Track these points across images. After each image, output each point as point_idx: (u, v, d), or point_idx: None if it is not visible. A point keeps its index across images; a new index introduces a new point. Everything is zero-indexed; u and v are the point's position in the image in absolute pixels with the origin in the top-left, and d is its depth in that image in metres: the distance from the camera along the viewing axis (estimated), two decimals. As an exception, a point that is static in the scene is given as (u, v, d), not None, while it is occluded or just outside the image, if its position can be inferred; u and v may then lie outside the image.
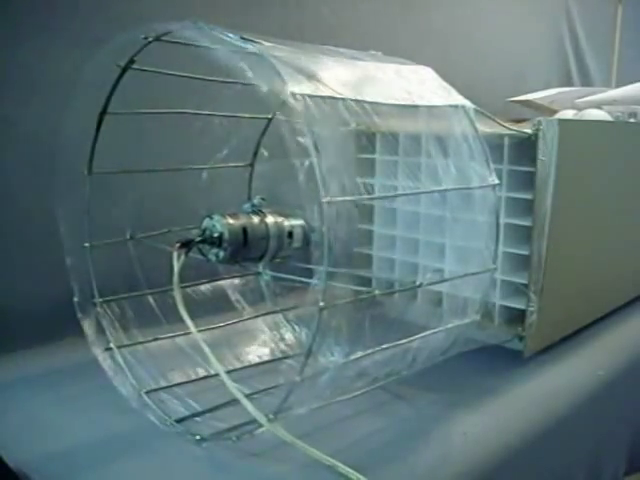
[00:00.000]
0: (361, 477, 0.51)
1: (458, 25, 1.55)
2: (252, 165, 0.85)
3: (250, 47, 0.54)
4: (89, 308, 0.70)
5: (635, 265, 1.04)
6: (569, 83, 1.95)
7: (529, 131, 0.72)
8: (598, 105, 1.31)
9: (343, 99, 0.54)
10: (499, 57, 1.67)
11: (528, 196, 0.74)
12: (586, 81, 2.04)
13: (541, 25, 1.88)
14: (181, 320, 0.59)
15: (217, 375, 0.59)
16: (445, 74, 0.69)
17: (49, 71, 0.82)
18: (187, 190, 0.79)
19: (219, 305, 0.83)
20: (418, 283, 0.61)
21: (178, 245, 0.63)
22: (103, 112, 0.66)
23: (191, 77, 0.70)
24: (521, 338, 0.76)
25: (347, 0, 1.25)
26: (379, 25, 1.31)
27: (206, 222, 0.65)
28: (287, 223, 0.69)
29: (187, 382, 0.69)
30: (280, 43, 0.57)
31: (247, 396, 0.57)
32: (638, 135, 1.01)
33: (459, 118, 0.63)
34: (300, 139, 0.50)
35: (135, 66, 0.64)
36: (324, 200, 0.48)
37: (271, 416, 0.53)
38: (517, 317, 0.77)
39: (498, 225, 0.63)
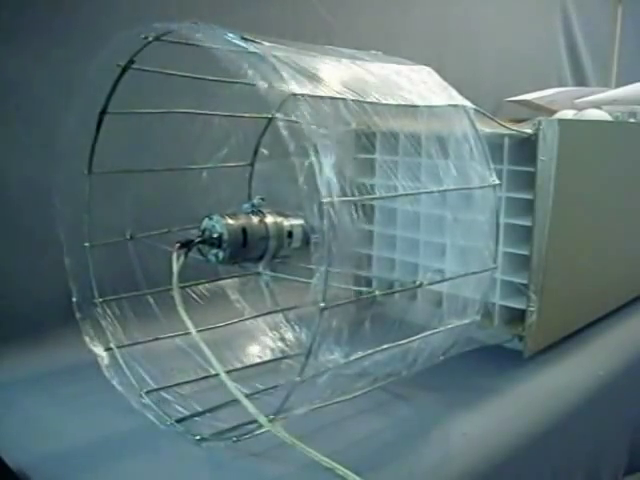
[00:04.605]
0: None
1: (457, 25, 1.55)
2: (252, 165, 0.85)
3: (251, 47, 0.54)
4: (88, 308, 0.70)
5: (635, 265, 1.04)
6: (567, 83, 1.95)
7: (529, 131, 0.72)
8: (598, 105, 1.31)
9: (343, 99, 0.54)
10: (498, 57, 1.67)
11: (528, 196, 0.74)
12: (585, 81, 2.04)
13: (539, 25, 1.88)
14: (181, 320, 0.59)
15: (217, 375, 0.59)
16: (444, 74, 0.69)
17: (49, 71, 0.82)
18: (187, 190, 0.79)
19: (219, 305, 0.83)
20: (418, 283, 0.61)
21: (178, 246, 0.63)
22: (103, 112, 0.66)
23: (191, 77, 0.70)
24: (521, 338, 0.76)
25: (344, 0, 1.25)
26: (376, 25, 1.31)
27: (205, 222, 0.65)
28: (287, 223, 0.69)
29: (187, 382, 0.69)
30: (280, 43, 0.57)
31: (247, 396, 0.57)
32: (638, 135, 1.01)
33: (459, 118, 0.63)
34: (300, 139, 0.50)
35: (135, 66, 0.64)
36: (324, 200, 0.48)
37: (271, 416, 0.53)
38: (517, 317, 0.77)
39: (498, 225, 0.63)
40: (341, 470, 0.52)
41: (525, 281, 0.75)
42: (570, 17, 1.98)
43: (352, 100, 0.54)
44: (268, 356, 0.78)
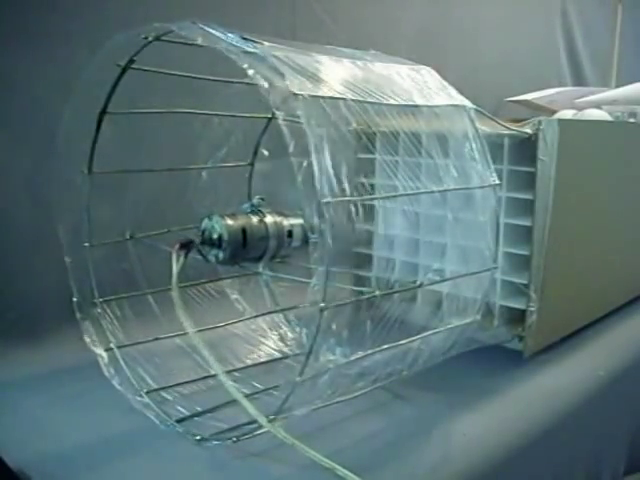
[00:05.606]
0: (359, 480, 0.51)
1: (457, 25, 1.55)
2: (252, 164, 0.85)
3: (250, 47, 0.54)
4: (89, 308, 0.70)
5: (635, 265, 1.03)
6: (567, 83, 1.95)
7: (529, 131, 0.72)
8: (598, 105, 1.31)
9: (344, 99, 0.54)
10: (498, 57, 1.67)
11: (528, 196, 0.74)
12: (585, 81, 2.04)
13: (539, 25, 1.88)
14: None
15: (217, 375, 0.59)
16: (444, 74, 0.69)
17: (49, 71, 0.82)
18: (187, 190, 0.79)
19: (219, 305, 0.83)
20: (418, 283, 0.61)
21: (177, 246, 0.63)
22: (103, 112, 0.66)
23: (191, 77, 0.70)
24: (521, 338, 0.76)
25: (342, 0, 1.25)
26: (376, 25, 1.31)
27: (205, 223, 0.65)
28: (286, 222, 0.69)
29: (187, 382, 0.69)
30: (280, 43, 0.57)
31: (247, 396, 0.57)
32: (638, 135, 1.01)
33: (460, 118, 0.63)
34: (300, 139, 0.50)
35: (135, 66, 0.64)
36: (323, 200, 0.48)
37: (271, 417, 0.53)
38: (517, 317, 0.77)
39: (498, 225, 0.63)
40: (341, 470, 0.52)
41: (525, 281, 0.75)
42: (570, 17, 1.98)
43: (352, 100, 0.54)
44: (268, 356, 0.78)
